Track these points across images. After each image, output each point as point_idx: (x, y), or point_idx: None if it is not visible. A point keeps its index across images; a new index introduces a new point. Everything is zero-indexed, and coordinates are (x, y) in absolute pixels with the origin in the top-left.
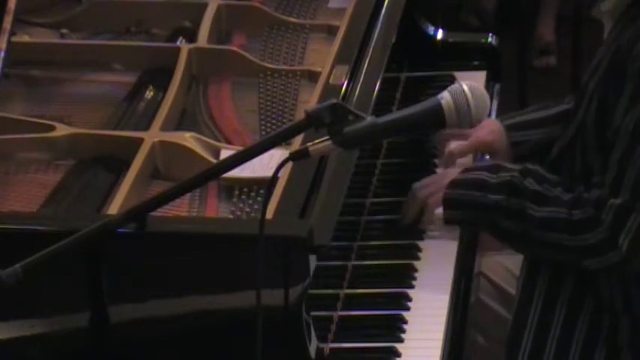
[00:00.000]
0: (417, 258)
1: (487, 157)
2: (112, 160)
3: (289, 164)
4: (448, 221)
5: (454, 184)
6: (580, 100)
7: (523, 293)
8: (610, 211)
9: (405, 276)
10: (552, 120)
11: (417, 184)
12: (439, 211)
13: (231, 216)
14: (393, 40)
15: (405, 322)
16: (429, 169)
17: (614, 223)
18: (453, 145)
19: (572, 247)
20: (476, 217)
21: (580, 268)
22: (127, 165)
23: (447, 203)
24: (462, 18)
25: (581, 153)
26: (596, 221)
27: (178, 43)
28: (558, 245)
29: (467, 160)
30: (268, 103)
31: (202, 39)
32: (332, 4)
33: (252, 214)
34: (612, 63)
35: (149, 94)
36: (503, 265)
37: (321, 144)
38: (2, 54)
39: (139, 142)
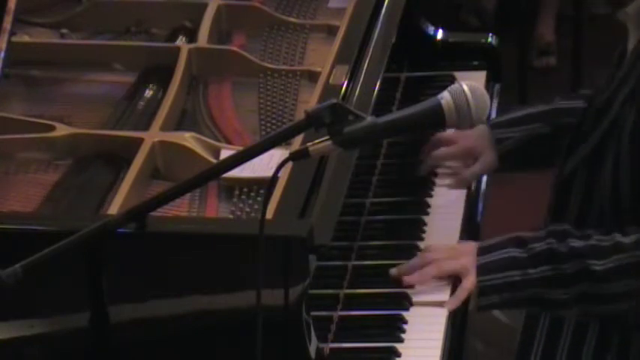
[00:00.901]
0: None
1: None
2: (112, 158)
3: (289, 164)
4: (483, 308)
5: (483, 269)
6: (599, 115)
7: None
8: None
9: None
10: (534, 117)
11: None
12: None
13: (231, 216)
14: (393, 40)
15: (405, 322)
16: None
17: None
18: (440, 150)
19: None
20: (514, 298)
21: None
22: (127, 162)
23: (483, 290)
24: (462, 18)
25: (612, 167)
26: None
27: (178, 41)
28: (632, 292)
29: (455, 164)
30: (268, 103)
31: (202, 39)
32: (332, 4)
33: (252, 214)
34: None
35: (149, 93)
36: None
37: (321, 144)
38: (2, 54)
39: (139, 142)
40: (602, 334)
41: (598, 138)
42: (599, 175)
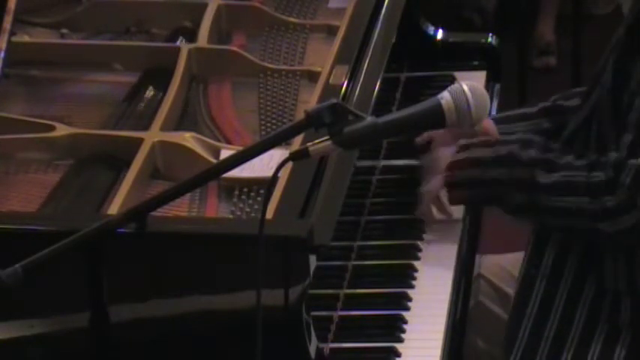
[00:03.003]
0: (417, 258)
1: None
2: (112, 159)
3: (289, 164)
4: (453, 202)
5: (452, 165)
6: (595, 83)
7: (527, 272)
8: (629, 173)
9: (405, 276)
10: (536, 114)
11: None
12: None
13: (231, 216)
14: (393, 40)
15: (405, 322)
16: None
17: (632, 184)
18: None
19: (588, 210)
20: (480, 194)
21: (589, 236)
22: (127, 163)
23: (449, 185)
24: (462, 17)
25: (597, 125)
26: (615, 183)
27: (178, 43)
28: (573, 210)
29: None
30: (268, 103)
31: (202, 39)
32: (332, 4)
33: (252, 214)
34: (630, 28)
35: (149, 94)
36: (503, 267)
37: (321, 144)
38: (2, 54)
39: (139, 142)
40: (594, 302)
41: (595, 99)
42: (591, 132)
